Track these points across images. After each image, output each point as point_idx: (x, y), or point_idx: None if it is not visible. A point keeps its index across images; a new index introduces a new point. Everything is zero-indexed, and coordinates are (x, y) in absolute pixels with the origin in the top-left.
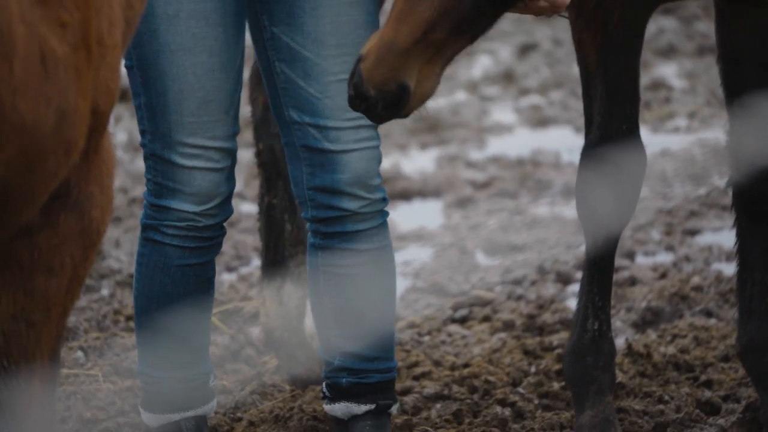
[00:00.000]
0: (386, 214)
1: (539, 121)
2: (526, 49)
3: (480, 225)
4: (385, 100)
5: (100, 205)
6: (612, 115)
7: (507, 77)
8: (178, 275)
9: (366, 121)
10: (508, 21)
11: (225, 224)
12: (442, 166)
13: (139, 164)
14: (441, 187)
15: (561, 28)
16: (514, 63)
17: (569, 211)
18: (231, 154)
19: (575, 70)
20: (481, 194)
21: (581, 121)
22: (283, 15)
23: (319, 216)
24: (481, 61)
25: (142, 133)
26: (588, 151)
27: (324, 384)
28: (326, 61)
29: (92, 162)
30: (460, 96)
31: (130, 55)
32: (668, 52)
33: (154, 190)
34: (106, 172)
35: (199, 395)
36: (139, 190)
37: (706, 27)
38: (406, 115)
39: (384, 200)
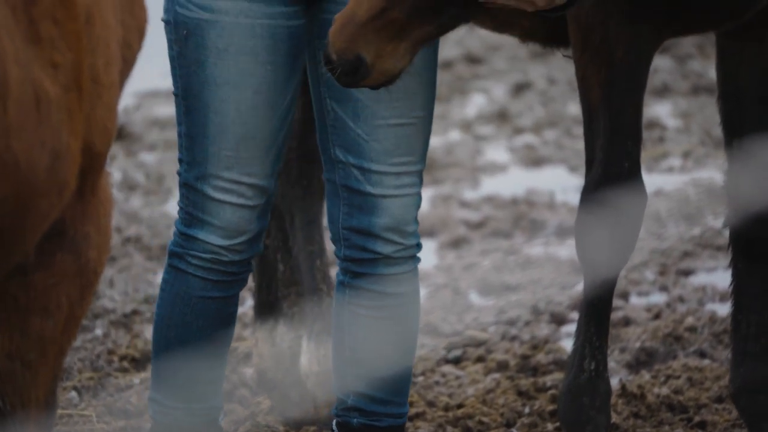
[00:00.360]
0: (418, 260)
1: (533, 160)
2: (520, 88)
3: (474, 265)
4: (343, 67)
5: (97, 245)
6: (615, 152)
7: (501, 116)
8: (199, 306)
9: (409, 167)
10: (502, 59)
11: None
12: (435, 205)
13: (134, 203)
14: (435, 227)
15: (555, 67)
16: (508, 102)
17: (563, 251)
18: (266, 193)
19: (570, 109)
20: (475, 234)
21: (576, 160)
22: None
23: (351, 256)
24: (475, 100)
25: (180, 161)
26: (589, 189)
27: (334, 422)
28: (377, 104)
29: (89, 202)
30: (454, 135)
31: (177, 83)
32: (662, 91)
33: (184, 219)
34: (103, 211)
35: (206, 431)
36: (134, 230)
37: (701, 66)
38: (372, 87)
39: (417, 246)
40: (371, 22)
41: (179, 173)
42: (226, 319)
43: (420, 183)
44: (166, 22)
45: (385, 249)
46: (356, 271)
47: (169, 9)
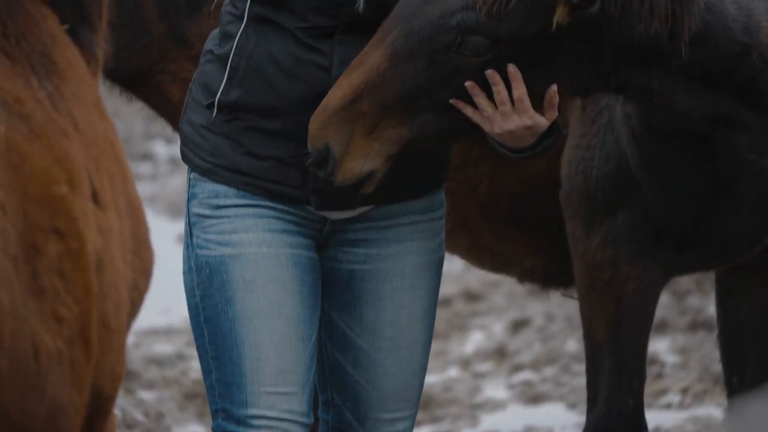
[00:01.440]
0: None
1: (532, 397)
2: (518, 325)
3: None
4: (314, 156)
5: None
6: (619, 390)
7: (499, 353)
8: None
9: (404, 413)
10: (500, 296)
11: None
12: None
13: None
14: None
15: (554, 304)
16: (507, 339)
17: None
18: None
19: (569, 345)
20: None
21: (574, 397)
22: (344, 302)
23: None
24: (473, 337)
25: (215, 413)
26: (592, 427)
27: None
28: (379, 353)
29: None
30: (453, 373)
31: (202, 330)
32: (661, 327)
33: None
34: None
35: None
36: None
37: (699, 302)
38: (340, 185)
39: None
40: (342, 112)
41: (216, 426)
42: None
43: (412, 426)
44: (187, 271)
45: None
46: None
47: (188, 257)
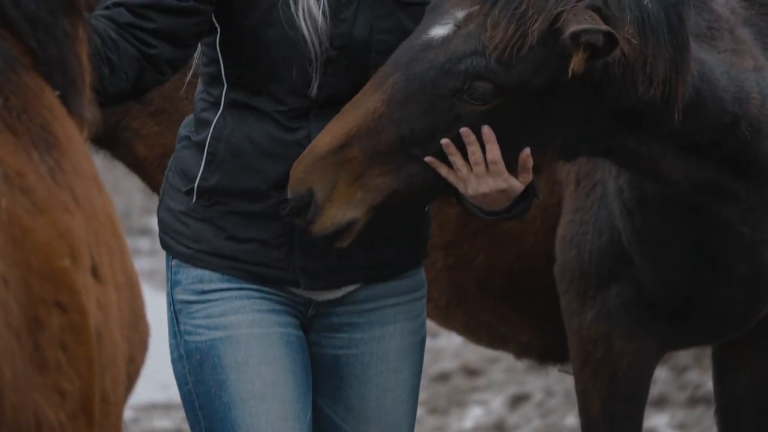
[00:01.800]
0: None
1: None
2: (517, 400)
3: None
4: (295, 202)
5: None
6: None
7: (499, 428)
8: None
9: None
10: (500, 371)
11: None
12: None
13: None
14: None
15: (553, 379)
16: (506, 414)
17: None
18: None
19: (567, 420)
20: None
21: None
22: (329, 388)
23: None
24: (472, 413)
25: None
26: None
27: None
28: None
29: None
30: None
31: (197, 417)
32: (660, 402)
33: None
34: None
35: None
36: None
37: (698, 377)
38: (317, 234)
39: None
40: (331, 156)
41: None
42: None
43: None
44: (177, 359)
45: None
46: None
47: (177, 345)
